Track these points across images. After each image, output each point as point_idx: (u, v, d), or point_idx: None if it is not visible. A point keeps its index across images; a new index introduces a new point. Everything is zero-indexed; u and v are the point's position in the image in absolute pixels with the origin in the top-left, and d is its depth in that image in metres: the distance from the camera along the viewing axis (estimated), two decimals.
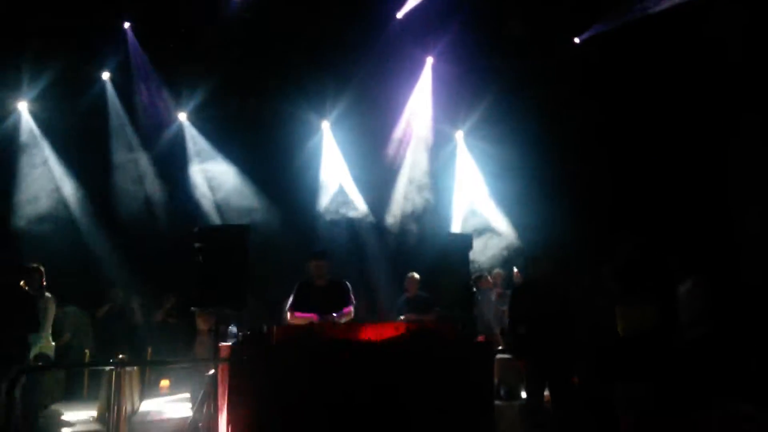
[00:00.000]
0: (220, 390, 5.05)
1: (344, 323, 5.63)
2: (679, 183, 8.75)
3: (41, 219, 8.26)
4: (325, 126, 10.26)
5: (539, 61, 9.68)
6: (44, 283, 6.18)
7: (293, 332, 5.21)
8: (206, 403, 5.31)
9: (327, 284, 5.77)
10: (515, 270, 8.11)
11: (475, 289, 7.55)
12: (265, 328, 5.03)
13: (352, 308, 5.82)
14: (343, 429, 4.68)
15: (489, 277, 7.90)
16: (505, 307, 7.53)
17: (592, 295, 6.60)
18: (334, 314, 5.63)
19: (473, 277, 7.75)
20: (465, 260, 6.13)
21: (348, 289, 5.85)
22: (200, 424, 5.29)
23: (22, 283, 5.65)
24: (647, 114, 9.00)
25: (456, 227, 9.86)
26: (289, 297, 5.93)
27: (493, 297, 7.72)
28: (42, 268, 6.23)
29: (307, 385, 4.70)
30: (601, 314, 6.65)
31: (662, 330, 6.61)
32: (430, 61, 10.34)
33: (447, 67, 10.22)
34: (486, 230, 9.68)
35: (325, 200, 9.87)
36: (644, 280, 7.17)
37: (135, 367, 6.18)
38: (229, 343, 5.24)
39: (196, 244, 5.33)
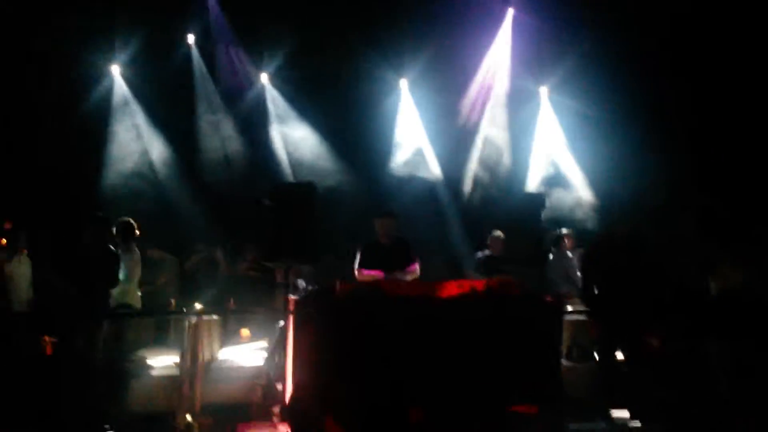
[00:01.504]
0: (288, 341, 5.25)
1: (410, 280, 5.67)
2: None
3: (132, 177, 8.79)
4: (403, 84, 10.16)
5: (629, 11, 9.10)
6: (136, 236, 6.56)
7: (358, 288, 5.30)
8: (276, 353, 5.55)
9: (392, 243, 5.82)
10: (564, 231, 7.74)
11: (553, 248, 7.37)
12: (331, 283, 5.15)
13: (417, 266, 5.84)
14: (403, 386, 4.73)
15: (566, 238, 7.63)
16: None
17: (675, 253, 6.30)
18: (399, 272, 5.67)
19: (553, 236, 7.56)
20: (537, 219, 5.99)
21: (410, 246, 5.88)
22: (271, 374, 5.54)
23: (106, 237, 6.02)
24: (744, 70, 8.32)
25: (532, 186, 9.56)
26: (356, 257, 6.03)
27: (570, 257, 7.47)
28: (134, 223, 6.62)
29: (369, 341, 4.76)
30: (686, 272, 6.37)
31: (755, 290, 6.26)
32: (511, 13, 9.94)
33: (529, 19, 9.82)
34: (566, 189, 9.34)
35: (400, 159, 9.84)
36: (736, 240, 6.80)
37: (216, 317, 6.51)
38: (297, 297, 5.40)
39: (267, 201, 5.51)
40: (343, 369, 4.69)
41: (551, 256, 7.43)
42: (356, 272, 5.92)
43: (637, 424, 5.25)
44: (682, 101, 8.89)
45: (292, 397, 4.79)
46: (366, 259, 5.81)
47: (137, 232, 6.63)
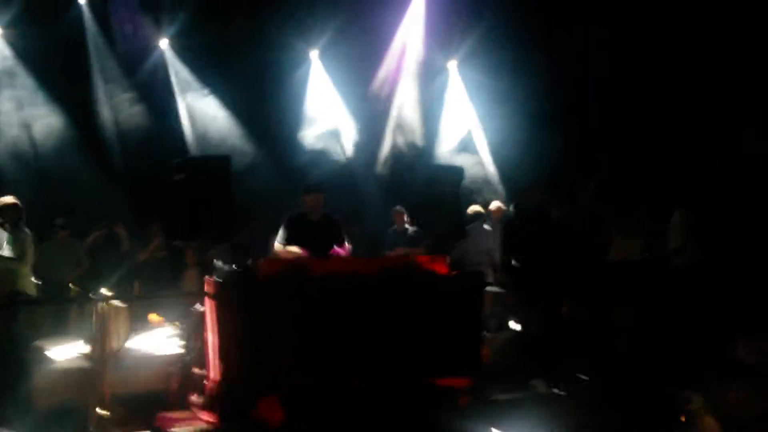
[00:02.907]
0: (207, 325, 5.00)
1: (332, 258, 5.53)
2: (675, 110, 8.56)
3: (22, 151, 8.03)
4: (314, 55, 9.88)
5: None
6: (22, 219, 6.01)
7: (280, 267, 5.12)
8: (194, 338, 5.29)
9: (320, 219, 5.63)
10: (495, 204, 7.91)
11: (473, 222, 7.46)
12: (251, 262, 4.94)
13: (349, 247, 5.66)
14: (331, 365, 4.66)
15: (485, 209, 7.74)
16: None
17: (582, 224, 6.57)
18: (330, 252, 5.49)
19: (472, 210, 7.65)
20: (456, 192, 6.01)
21: (341, 226, 5.71)
22: (189, 359, 5.28)
23: None
24: (648, 42, 8.71)
25: (446, 159, 9.65)
26: (276, 232, 5.78)
27: (488, 229, 7.59)
28: (19, 203, 6.05)
29: (295, 321, 4.65)
30: (591, 242, 6.67)
31: (652, 258, 6.67)
32: None
33: None
34: (476, 163, 9.51)
35: (312, 133, 9.61)
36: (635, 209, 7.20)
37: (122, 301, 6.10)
38: (215, 278, 5.14)
39: (177, 176, 5.18)
40: (268, 351, 4.56)
41: (471, 229, 7.54)
42: (278, 248, 5.64)
43: (555, 391, 5.44)
44: (587, 77, 9.21)
45: (219, 383, 4.59)
46: (291, 236, 5.56)
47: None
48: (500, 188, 9.54)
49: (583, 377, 5.28)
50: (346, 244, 5.70)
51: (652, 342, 6.06)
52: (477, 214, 7.69)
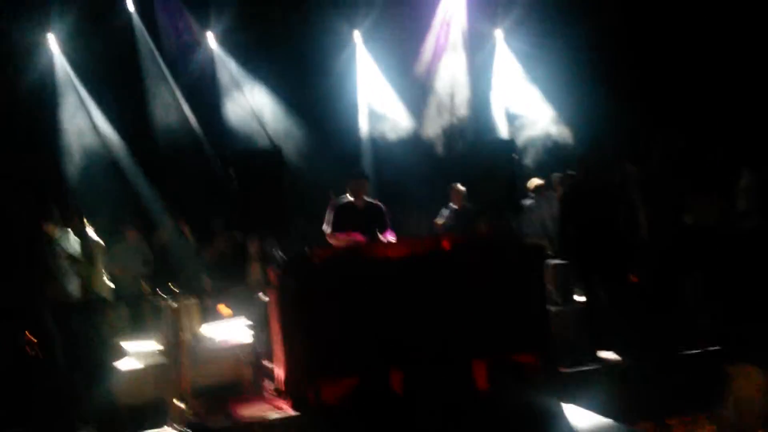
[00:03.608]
0: (272, 315, 5.12)
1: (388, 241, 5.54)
2: (732, 75, 8.17)
3: (81, 158, 8.34)
4: (357, 36, 9.82)
5: None
6: (85, 224, 6.23)
7: (336, 253, 5.18)
8: (260, 328, 5.42)
9: (365, 205, 5.66)
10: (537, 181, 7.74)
11: (532, 195, 7.32)
12: (307, 250, 5.00)
13: (391, 234, 5.66)
14: (395, 347, 4.68)
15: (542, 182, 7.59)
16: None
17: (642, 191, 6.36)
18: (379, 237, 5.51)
19: (532, 183, 7.52)
20: (509, 165, 5.91)
21: (384, 211, 5.72)
22: (258, 349, 5.43)
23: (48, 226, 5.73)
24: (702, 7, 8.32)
25: (499, 132, 9.47)
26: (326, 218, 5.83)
27: (544, 202, 7.45)
28: (76, 206, 6.29)
29: (355, 306, 4.69)
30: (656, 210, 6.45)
31: (726, 222, 6.42)
32: None
33: None
34: (532, 134, 9.28)
35: (361, 116, 9.59)
36: (702, 173, 6.92)
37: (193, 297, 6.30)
38: (275, 268, 5.24)
39: (230, 169, 5.27)
40: (333, 335, 4.62)
41: (529, 203, 7.41)
42: (328, 235, 5.71)
43: (625, 363, 5.34)
44: (641, 43, 8.85)
45: (287, 371, 4.70)
46: (339, 222, 5.62)
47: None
48: (556, 159, 9.28)
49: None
50: (390, 231, 5.70)
51: (720, 311, 5.86)
52: (537, 187, 7.54)
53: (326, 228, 5.68)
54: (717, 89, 8.30)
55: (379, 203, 5.77)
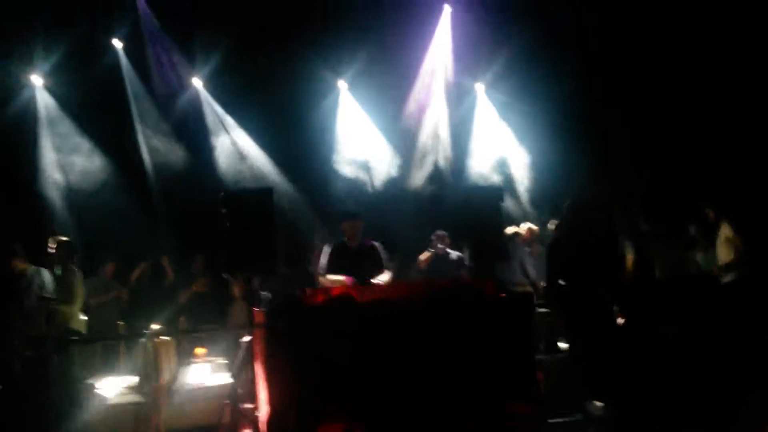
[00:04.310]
0: (256, 356, 5.00)
1: (378, 284, 5.52)
2: (713, 130, 8.49)
3: (67, 193, 8.23)
4: (342, 85, 9.99)
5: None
6: (73, 257, 6.14)
7: (327, 296, 5.11)
8: (244, 369, 5.28)
9: (359, 246, 5.65)
10: (526, 226, 7.87)
11: (509, 243, 7.39)
12: (298, 292, 4.95)
13: (388, 273, 5.67)
14: (385, 391, 4.60)
15: (523, 231, 7.71)
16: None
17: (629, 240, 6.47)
18: (372, 280, 5.49)
19: (510, 230, 7.60)
20: (496, 213, 5.94)
21: (380, 252, 5.72)
22: (239, 391, 5.27)
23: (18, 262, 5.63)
24: (681, 63, 8.68)
25: (480, 180, 9.62)
26: (318, 260, 5.81)
27: (528, 251, 7.54)
28: (71, 242, 6.19)
29: (347, 348, 4.61)
30: (640, 260, 6.55)
31: (703, 273, 6.54)
32: (448, 9, 9.95)
33: (465, 15, 9.85)
34: (511, 184, 9.46)
35: (345, 161, 9.67)
36: (680, 225, 7.09)
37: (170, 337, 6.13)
38: (263, 309, 5.16)
39: (223, 210, 5.23)
40: (321, 380, 4.52)
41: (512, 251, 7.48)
42: (321, 277, 5.68)
43: (612, 413, 5.30)
44: (615, 97, 9.16)
45: (271, 415, 4.56)
46: (333, 264, 5.59)
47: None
48: (534, 208, 9.46)
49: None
50: (386, 270, 5.70)
51: (703, 361, 5.90)
52: (515, 234, 7.63)
53: (319, 269, 5.65)
54: (699, 143, 8.55)
55: (374, 243, 5.76)
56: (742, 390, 5.09)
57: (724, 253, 6.76)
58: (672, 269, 6.96)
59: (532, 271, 7.36)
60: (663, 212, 7.48)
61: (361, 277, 5.41)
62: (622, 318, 5.81)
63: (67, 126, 8.58)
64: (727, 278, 6.71)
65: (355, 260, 5.54)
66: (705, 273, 6.95)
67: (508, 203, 9.06)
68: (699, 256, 7.25)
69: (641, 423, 5.11)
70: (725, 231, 6.80)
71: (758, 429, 4.52)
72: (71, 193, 8.28)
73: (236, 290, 6.80)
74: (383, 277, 5.54)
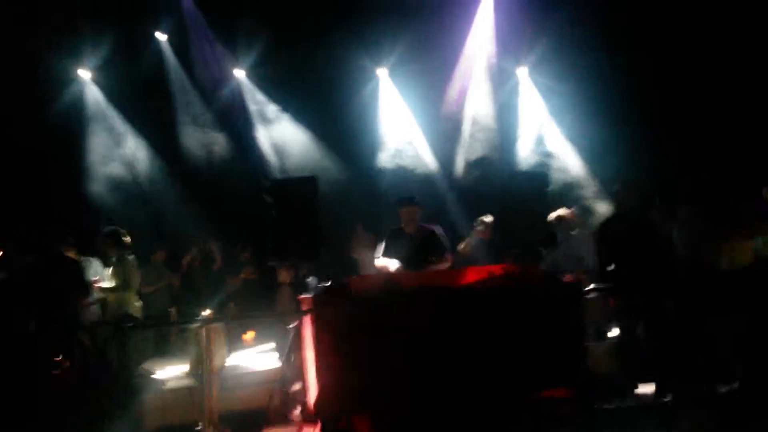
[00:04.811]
0: (303, 342, 5.06)
1: (426, 270, 5.50)
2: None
3: (117, 183, 8.44)
4: (382, 73, 9.95)
5: None
6: (126, 246, 6.29)
7: (373, 283, 5.13)
8: (292, 355, 5.35)
9: (417, 231, 5.64)
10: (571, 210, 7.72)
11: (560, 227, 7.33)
12: (345, 279, 4.98)
13: (449, 255, 5.66)
14: (432, 378, 4.59)
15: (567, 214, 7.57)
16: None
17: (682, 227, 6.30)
18: (432, 264, 5.48)
19: (554, 216, 7.50)
20: (542, 199, 5.87)
21: (439, 235, 5.71)
22: (288, 375, 5.35)
23: (70, 253, 5.79)
24: (728, 46, 8.38)
25: (526, 166, 9.49)
26: (356, 242, 5.81)
27: (575, 235, 7.41)
28: (120, 230, 6.36)
29: (392, 335, 4.61)
30: (694, 246, 6.37)
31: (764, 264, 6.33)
32: None
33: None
34: (556, 169, 9.31)
35: (388, 149, 9.65)
36: (741, 215, 6.85)
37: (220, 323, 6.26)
38: (310, 295, 5.21)
39: (268, 198, 5.29)
40: (367, 365, 4.54)
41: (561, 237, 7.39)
42: (377, 262, 5.72)
43: (663, 398, 5.21)
44: (665, 80, 8.91)
45: (319, 398, 4.61)
46: (389, 249, 5.61)
47: (127, 239, 6.37)
48: (583, 193, 9.28)
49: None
50: (447, 254, 5.68)
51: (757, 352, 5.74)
52: (559, 218, 7.50)
53: (377, 254, 5.69)
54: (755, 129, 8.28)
55: (433, 227, 5.75)
56: None
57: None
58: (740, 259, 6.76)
59: (579, 255, 7.22)
60: (714, 197, 7.27)
61: (414, 262, 5.40)
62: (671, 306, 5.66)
63: (114, 119, 8.77)
64: None
65: (410, 245, 5.53)
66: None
67: (561, 188, 8.95)
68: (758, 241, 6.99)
69: (692, 412, 5.01)
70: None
71: None
72: (121, 185, 8.46)
73: (283, 276, 6.88)
74: (443, 263, 5.52)
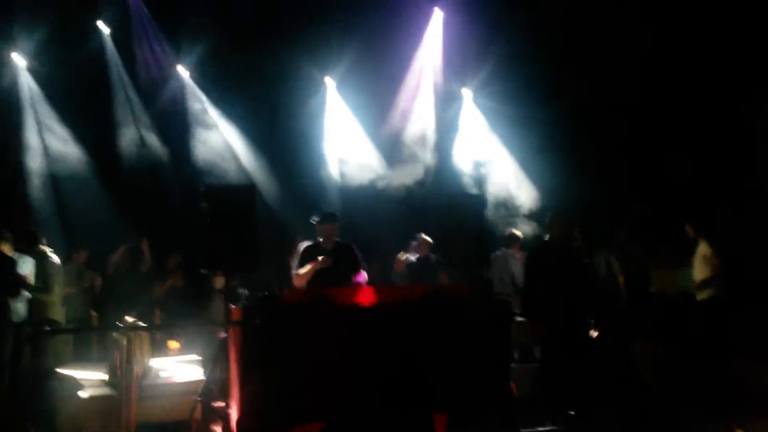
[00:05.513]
0: (231, 353, 4.96)
1: (357, 287, 5.50)
2: (696, 146, 8.60)
3: (42, 180, 8.08)
4: (329, 82, 9.94)
5: (551, 12, 9.30)
6: (42, 247, 6.02)
7: (306, 296, 5.09)
8: (218, 366, 5.24)
9: (334, 247, 5.63)
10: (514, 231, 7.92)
11: (503, 248, 7.50)
12: (276, 291, 4.92)
13: (364, 275, 5.67)
14: (356, 393, 4.60)
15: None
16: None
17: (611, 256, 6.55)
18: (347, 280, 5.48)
19: (507, 235, 7.66)
20: (479, 221, 5.96)
21: (357, 253, 5.70)
22: (213, 387, 5.23)
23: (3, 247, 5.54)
24: (668, 72, 8.76)
25: (468, 188, 9.63)
26: (295, 254, 5.77)
27: (517, 258, 7.59)
28: (33, 231, 6.10)
29: (321, 350, 4.59)
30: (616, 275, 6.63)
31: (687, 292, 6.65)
32: (438, 12, 9.94)
33: (455, 18, 9.85)
34: (497, 192, 9.49)
35: (329, 161, 9.62)
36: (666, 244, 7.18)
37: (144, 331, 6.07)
38: (240, 306, 5.12)
39: (203, 204, 5.18)
40: (292, 379, 4.50)
41: (497, 255, 7.56)
42: (294, 276, 5.66)
43: (583, 423, 5.35)
44: (604, 103, 9.22)
45: (242, 414, 4.53)
46: (305, 263, 5.57)
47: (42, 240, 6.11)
48: (519, 217, 9.48)
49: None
50: (363, 271, 5.69)
51: (677, 374, 6.02)
52: (510, 239, 7.68)
53: (294, 270, 5.63)
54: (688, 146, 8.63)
55: (350, 244, 5.74)
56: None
57: (700, 271, 6.86)
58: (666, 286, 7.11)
59: (518, 277, 7.40)
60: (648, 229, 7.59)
61: (333, 278, 5.39)
62: (596, 332, 5.85)
63: (47, 110, 8.40)
64: (703, 295, 6.81)
65: (330, 262, 5.52)
66: (683, 290, 7.05)
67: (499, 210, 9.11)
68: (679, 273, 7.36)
69: None
70: (703, 249, 6.90)
71: None
72: (51, 179, 8.11)
73: (217, 284, 6.74)
74: (359, 278, 5.53)
